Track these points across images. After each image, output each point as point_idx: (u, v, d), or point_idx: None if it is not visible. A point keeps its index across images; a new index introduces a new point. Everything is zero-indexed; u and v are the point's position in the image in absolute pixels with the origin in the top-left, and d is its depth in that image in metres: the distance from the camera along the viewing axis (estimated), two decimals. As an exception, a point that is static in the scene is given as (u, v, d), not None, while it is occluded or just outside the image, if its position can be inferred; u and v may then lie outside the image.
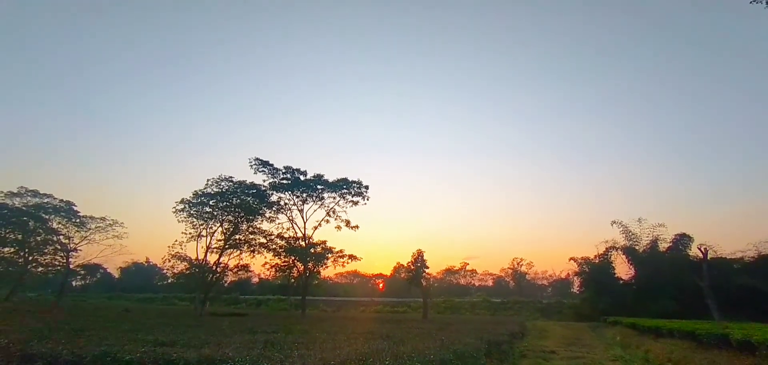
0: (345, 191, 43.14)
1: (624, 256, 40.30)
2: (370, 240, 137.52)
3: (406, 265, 54.38)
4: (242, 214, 40.70)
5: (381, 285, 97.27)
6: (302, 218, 43.37)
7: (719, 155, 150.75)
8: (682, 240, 37.69)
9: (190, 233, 40.12)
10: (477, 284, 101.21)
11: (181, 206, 40.49)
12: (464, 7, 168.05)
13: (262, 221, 42.44)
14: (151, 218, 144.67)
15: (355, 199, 43.48)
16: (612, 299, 37.28)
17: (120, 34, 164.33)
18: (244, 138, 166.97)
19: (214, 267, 40.54)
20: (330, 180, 43.03)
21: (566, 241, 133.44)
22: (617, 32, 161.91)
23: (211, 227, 40.83)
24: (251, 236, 41.82)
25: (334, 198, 43.47)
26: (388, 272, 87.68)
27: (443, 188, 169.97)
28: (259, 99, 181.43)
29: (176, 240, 40.30)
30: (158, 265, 74.38)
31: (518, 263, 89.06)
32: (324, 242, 44.24)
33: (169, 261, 40.11)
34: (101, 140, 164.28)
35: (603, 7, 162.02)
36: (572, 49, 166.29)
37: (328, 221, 43.69)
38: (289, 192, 42.65)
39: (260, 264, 44.62)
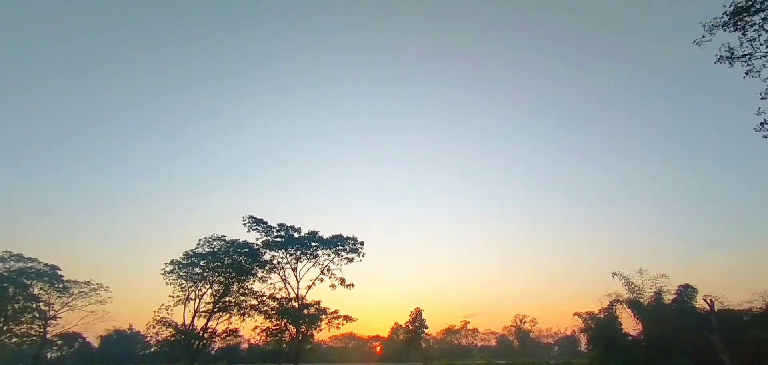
0: (340, 247, 42.22)
1: (629, 310, 38.71)
2: (365, 300, 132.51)
3: (404, 325, 51.90)
4: (234, 274, 39.38)
5: (378, 348, 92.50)
6: (296, 277, 42.01)
7: (712, 205, 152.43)
8: (687, 291, 36.38)
9: (178, 296, 38.52)
10: (479, 344, 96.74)
11: (170, 268, 39.22)
12: (458, 63, 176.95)
13: (254, 281, 41.08)
14: (139, 281, 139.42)
15: (350, 256, 42.49)
16: (622, 357, 35.20)
17: (107, 92, 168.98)
18: (238, 197, 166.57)
19: (202, 333, 38.38)
20: (324, 237, 42.23)
21: (569, 294, 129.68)
22: (613, 82, 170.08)
23: (200, 290, 39.29)
24: (242, 298, 40.21)
25: (329, 255, 42.44)
26: (385, 333, 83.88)
27: (441, 243, 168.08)
28: (253, 158, 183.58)
29: (163, 304, 38.55)
30: (142, 332, 70.53)
31: (521, 321, 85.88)
32: (318, 302, 42.53)
33: (154, 327, 37.98)
34: (91, 199, 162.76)
35: (600, 58, 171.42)
36: (567, 101, 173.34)
37: (322, 280, 42.36)
38: (283, 250, 41.61)
39: (250, 328, 42.22)
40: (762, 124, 17.32)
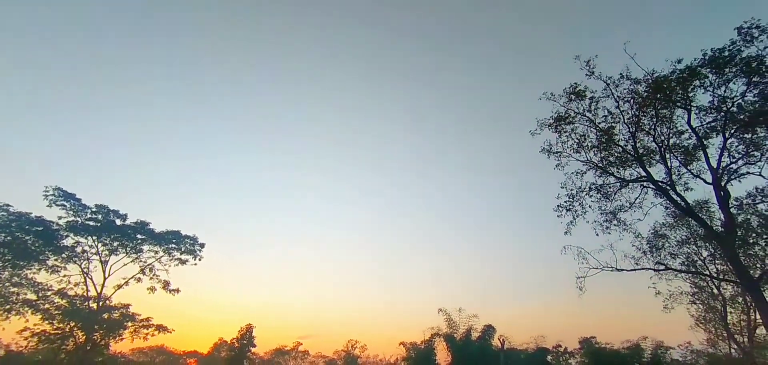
0: (173, 245, 36.36)
1: (445, 343, 44.58)
2: (195, 310, 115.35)
3: (230, 342, 47.71)
4: (9, 257, 29.46)
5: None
6: (104, 272, 34.00)
7: (523, 264, 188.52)
8: (488, 331, 44.17)
9: None
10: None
11: None
12: (339, 70, 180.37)
13: (40, 270, 31.40)
14: None
15: (183, 256, 36.92)
16: (431, 386, 40.10)
17: None
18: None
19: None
20: (157, 231, 35.84)
21: (406, 323, 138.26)
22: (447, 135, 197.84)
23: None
24: (14, 290, 30.17)
25: (157, 253, 36.02)
26: (206, 349, 74.82)
27: (290, 258, 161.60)
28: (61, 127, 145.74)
29: None
30: None
31: (353, 346, 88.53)
32: (127, 305, 35.13)
33: None
34: None
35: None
36: (412, 138, 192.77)
37: (139, 280, 35.47)
38: (95, 237, 33.32)
39: (16, 330, 31.54)
40: (558, 206, 23.31)
